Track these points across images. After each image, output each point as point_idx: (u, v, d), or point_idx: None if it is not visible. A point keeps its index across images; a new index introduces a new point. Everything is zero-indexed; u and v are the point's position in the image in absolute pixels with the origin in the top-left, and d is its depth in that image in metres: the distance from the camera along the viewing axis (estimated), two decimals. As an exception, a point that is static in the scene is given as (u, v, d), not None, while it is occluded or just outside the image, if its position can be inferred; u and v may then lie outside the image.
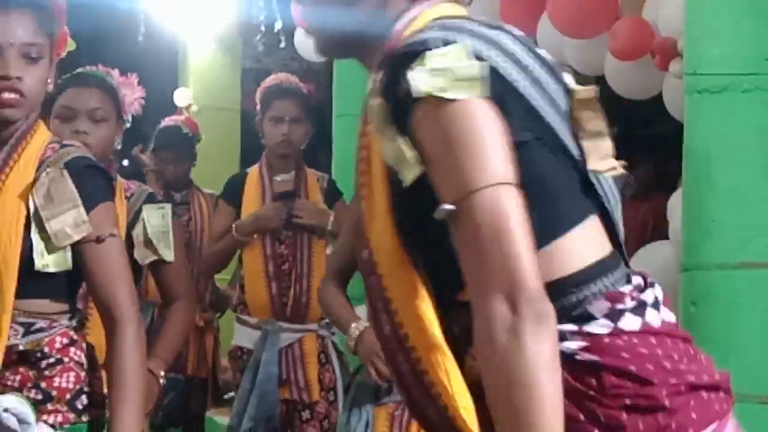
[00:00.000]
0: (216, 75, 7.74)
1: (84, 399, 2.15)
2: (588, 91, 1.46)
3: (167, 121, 5.38)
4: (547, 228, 1.35)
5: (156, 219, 2.92)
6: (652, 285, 1.44)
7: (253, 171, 4.33)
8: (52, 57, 2.22)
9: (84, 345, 2.20)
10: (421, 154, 1.32)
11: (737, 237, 2.95)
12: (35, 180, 2.11)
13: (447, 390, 1.38)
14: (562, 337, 1.32)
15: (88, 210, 2.09)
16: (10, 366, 2.09)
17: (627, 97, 3.79)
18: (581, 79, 4.39)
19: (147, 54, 7.53)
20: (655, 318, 1.40)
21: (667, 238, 3.53)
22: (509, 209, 1.26)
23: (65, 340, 2.15)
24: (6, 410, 2.01)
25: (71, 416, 2.13)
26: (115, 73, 2.99)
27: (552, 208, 1.37)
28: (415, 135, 1.32)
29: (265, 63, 8.35)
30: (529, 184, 1.31)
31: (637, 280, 1.44)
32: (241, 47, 7.84)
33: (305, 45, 5.03)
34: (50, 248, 2.09)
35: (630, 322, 1.37)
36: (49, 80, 2.22)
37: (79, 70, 3.02)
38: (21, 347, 2.10)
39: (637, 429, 1.32)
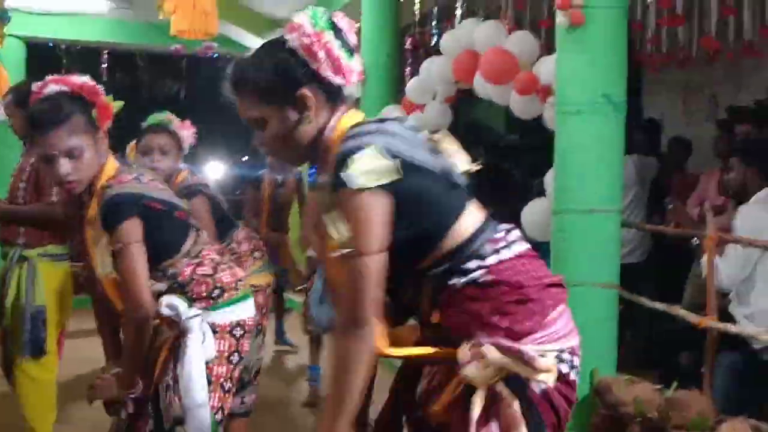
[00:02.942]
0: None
1: (215, 292, 1.93)
2: (439, 137, 1.39)
3: None
4: (445, 222, 1.30)
5: None
6: (513, 229, 1.38)
7: None
8: (95, 137, 1.83)
9: (207, 260, 1.95)
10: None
11: (585, 194, 2.94)
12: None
13: None
14: (472, 270, 1.29)
15: (113, 230, 1.76)
16: (173, 290, 1.89)
17: (521, 117, 3.75)
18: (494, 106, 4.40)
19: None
20: (518, 248, 1.35)
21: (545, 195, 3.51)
22: (377, 270, 1.23)
23: (189, 269, 1.91)
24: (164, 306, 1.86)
25: (210, 302, 1.92)
26: (175, 119, 2.73)
27: (443, 211, 1.31)
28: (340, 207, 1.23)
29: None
30: (428, 203, 1.28)
31: (503, 227, 1.38)
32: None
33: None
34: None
35: (506, 254, 1.32)
36: (98, 148, 1.83)
37: (150, 120, 2.74)
38: (165, 288, 1.89)
39: (519, 313, 1.28)
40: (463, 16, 4.26)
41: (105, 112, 1.87)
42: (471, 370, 1.25)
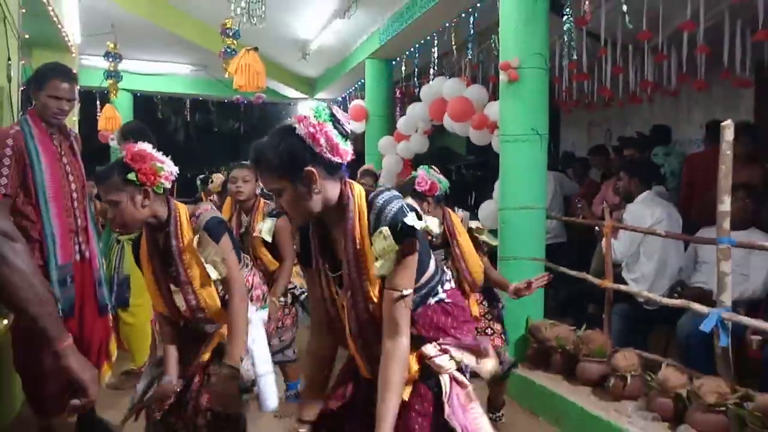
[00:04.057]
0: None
1: (264, 296, 1.88)
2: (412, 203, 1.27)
3: None
4: (426, 261, 1.24)
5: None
6: (444, 271, 1.32)
7: None
8: (134, 192, 1.55)
9: (256, 271, 1.90)
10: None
11: (520, 196, 2.94)
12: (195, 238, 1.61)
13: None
14: (439, 293, 1.26)
15: (218, 242, 1.62)
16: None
17: (477, 144, 3.72)
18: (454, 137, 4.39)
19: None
20: (451, 284, 1.32)
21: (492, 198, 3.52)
22: (409, 303, 1.17)
23: (251, 278, 1.81)
24: None
25: (262, 303, 1.84)
26: None
27: (426, 255, 1.24)
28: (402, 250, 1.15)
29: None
30: (424, 249, 1.22)
31: (441, 267, 1.32)
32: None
33: (353, 126, 4.91)
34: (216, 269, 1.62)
35: (450, 285, 1.30)
36: (136, 201, 1.55)
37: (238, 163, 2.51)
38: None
39: (465, 329, 1.26)
40: (435, 75, 4.24)
41: (148, 176, 1.55)
42: (442, 361, 1.22)
